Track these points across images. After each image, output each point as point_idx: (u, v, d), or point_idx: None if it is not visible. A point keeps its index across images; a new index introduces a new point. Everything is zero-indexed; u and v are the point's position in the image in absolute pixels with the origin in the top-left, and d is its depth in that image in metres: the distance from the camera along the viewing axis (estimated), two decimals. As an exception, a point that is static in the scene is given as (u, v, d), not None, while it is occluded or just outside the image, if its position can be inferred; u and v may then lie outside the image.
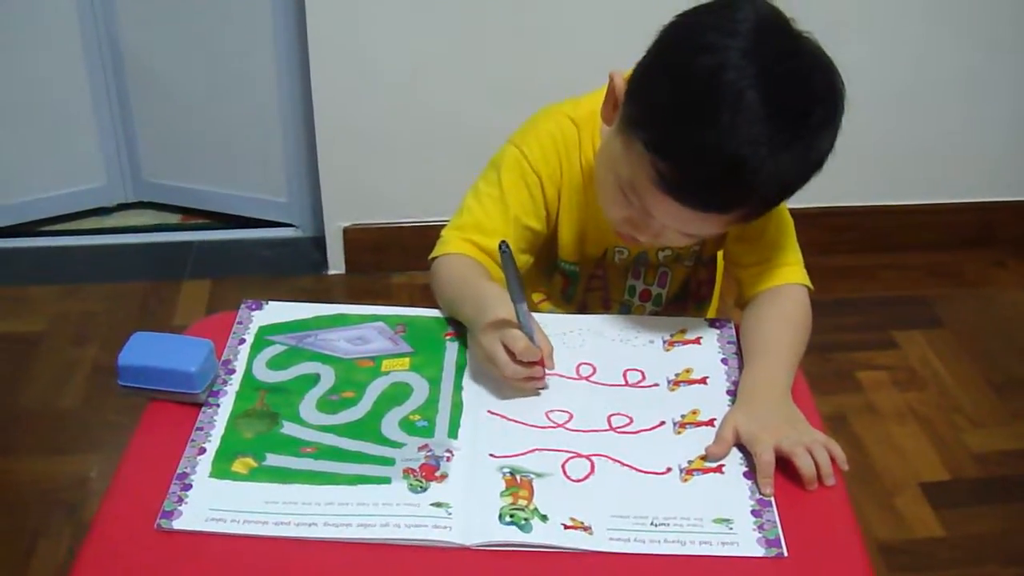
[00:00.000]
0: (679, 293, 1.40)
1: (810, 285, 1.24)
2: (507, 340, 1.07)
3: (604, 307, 1.39)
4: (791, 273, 1.24)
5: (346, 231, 2.53)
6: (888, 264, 2.62)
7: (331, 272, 2.57)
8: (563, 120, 1.27)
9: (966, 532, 1.89)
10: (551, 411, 1.09)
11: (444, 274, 1.23)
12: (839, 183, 2.58)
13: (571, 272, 1.37)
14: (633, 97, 1.11)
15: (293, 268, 2.59)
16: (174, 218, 2.76)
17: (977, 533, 1.89)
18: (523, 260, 1.29)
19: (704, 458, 1.04)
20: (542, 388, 1.12)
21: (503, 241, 1.06)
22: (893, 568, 1.81)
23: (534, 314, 1.13)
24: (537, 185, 1.27)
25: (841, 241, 2.60)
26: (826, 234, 2.56)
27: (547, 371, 1.12)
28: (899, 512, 1.92)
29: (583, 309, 1.39)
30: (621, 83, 1.14)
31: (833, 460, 1.02)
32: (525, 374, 1.09)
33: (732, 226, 1.19)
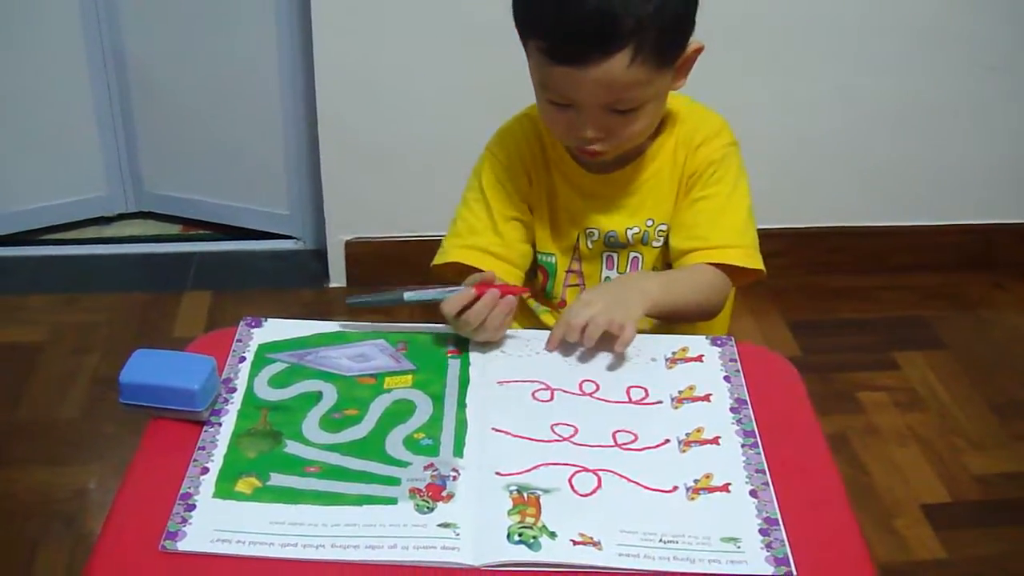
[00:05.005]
0: None
1: (756, 266, 1.30)
2: (446, 311, 1.18)
3: None
4: (721, 255, 1.29)
5: (348, 244, 2.52)
6: (889, 285, 2.61)
7: (332, 285, 2.56)
8: (522, 118, 1.39)
9: (967, 555, 1.88)
10: (556, 424, 1.10)
11: None
12: (840, 203, 2.62)
13: (549, 265, 1.40)
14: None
15: (294, 281, 2.59)
16: (175, 229, 2.76)
17: (978, 556, 1.88)
18: (525, 250, 1.37)
19: (709, 476, 1.03)
20: (523, 295, 1.29)
21: (348, 297, 1.19)
22: (894, 590, 1.81)
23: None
24: (509, 180, 1.36)
25: (842, 262, 2.59)
26: (827, 255, 2.55)
27: (553, 387, 1.15)
28: (900, 534, 1.91)
29: (563, 305, 1.40)
30: None
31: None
32: (485, 309, 1.17)
33: (644, 75, 1.18)
